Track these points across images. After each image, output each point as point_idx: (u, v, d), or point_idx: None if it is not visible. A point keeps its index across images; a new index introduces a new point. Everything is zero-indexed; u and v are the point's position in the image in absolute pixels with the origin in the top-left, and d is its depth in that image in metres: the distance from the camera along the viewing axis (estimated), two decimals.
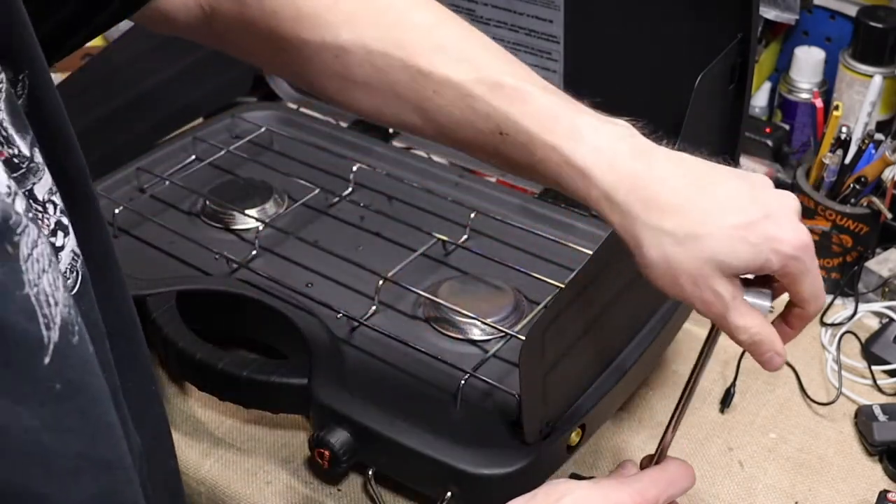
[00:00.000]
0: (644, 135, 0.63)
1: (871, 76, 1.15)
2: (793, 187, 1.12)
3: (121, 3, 0.68)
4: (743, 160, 1.17)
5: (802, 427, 0.91)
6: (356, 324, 0.89)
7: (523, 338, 0.80)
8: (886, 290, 1.04)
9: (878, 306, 1.03)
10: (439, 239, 1.00)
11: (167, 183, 1.08)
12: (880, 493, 0.83)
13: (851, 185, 1.07)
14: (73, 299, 0.43)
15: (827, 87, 1.24)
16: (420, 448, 0.77)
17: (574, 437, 0.80)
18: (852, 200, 1.07)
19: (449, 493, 0.77)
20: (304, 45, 0.67)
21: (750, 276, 0.63)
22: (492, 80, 0.63)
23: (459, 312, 0.89)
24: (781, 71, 1.28)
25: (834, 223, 1.06)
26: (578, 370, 0.82)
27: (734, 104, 0.85)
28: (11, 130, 0.47)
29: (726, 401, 0.93)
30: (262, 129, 1.17)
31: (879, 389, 0.95)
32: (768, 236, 0.59)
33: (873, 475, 0.87)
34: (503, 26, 1.00)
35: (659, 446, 0.72)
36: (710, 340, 0.69)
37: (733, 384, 0.94)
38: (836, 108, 1.10)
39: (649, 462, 0.72)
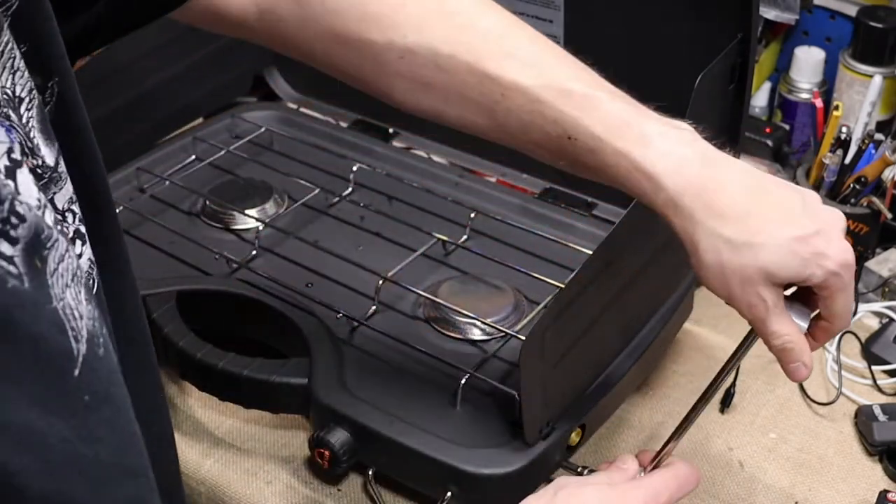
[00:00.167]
0: (704, 139, 0.65)
1: (871, 76, 1.15)
2: None
3: (158, 1, 0.68)
4: (743, 160, 1.17)
5: (802, 427, 0.91)
6: (356, 324, 0.89)
7: (523, 338, 0.80)
8: (886, 290, 1.04)
9: (878, 306, 1.03)
10: (439, 239, 1.00)
11: (167, 183, 1.08)
12: (880, 493, 0.83)
13: (851, 185, 1.07)
14: (96, 301, 0.44)
15: (827, 87, 1.24)
16: (420, 448, 0.77)
17: (574, 437, 0.80)
18: (852, 200, 1.07)
19: (449, 493, 0.77)
20: (367, 45, 0.68)
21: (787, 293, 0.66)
22: (561, 86, 0.65)
23: (459, 312, 0.89)
24: (781, 71, 1.28)
25: None
26: (578, 370, 0.82)
27: (734, 104, 0.85)
28: (39, 140, 0.47)
29: (726, 401, 0.93)
30: (262, 129, 1.17)
31: (879, 389, 0.95)
32: (817, 251, 0.62)
33: (873, 475, 0.87)
34: None
35: (664, 447, 0.72)
36: (739, 353, 0.70)
37: (733, 384, 0.94)
38: (836, 108, 1.10)
39: (647, 459, 0.72)
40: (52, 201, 0.48)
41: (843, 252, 0.63)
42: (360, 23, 0.67)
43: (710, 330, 1.01)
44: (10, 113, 0.45)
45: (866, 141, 1.08)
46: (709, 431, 0.91)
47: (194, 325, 0.88)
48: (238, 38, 0.74)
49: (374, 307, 0.91)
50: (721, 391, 0.71)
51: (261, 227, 1.01)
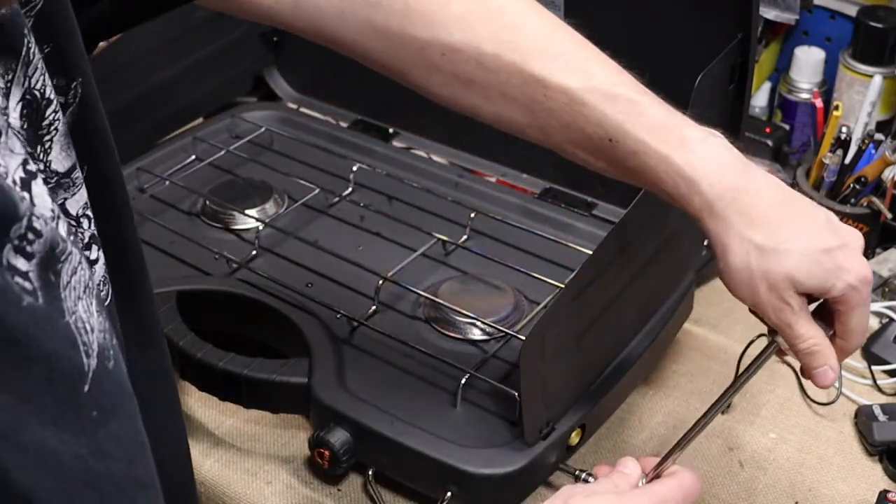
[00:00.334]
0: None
1: (871, 76, 1.15)
2: (792, 187, 1.12)
3: None
4: None
5: (802, 427, 0.91)
6: (356, 324, 0.89)
7: (523, 338, 0.80)
8: (886, 290, 1.04)
9: (878, 306, 1.03)
10: (439, 239, 1.00)
11: (167, 183, 1.08)
12: (880, 493, 0.83)
13: (851, 185, 1.07)
14: (106, 312, 0.44)
15: (827, 87, 1.24)
16: (420, 448, 0.77)
17: (574, 437, 0.80)
18: (852, 200, 1.07)
19: (449, 493, 0.77)
20: (409, 40, 0.68)
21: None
22: (606, 90, 0.66)
23: (459, 312, 0.89)
24: (781, 71, 1.28)
25: None
26: (578, 370, 0.82)
27: (734, 104, 0.85)
28: (57, 146, 0.47)
29: None
30: (262, 129, 1.17)
31: (879, 389, 0.95)
32: (839, 265, 0.64)
33: (873, 475, 0.87)
34: None
35: (667, 456, 0.71)
36: (756, 365, 0.71)
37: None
38: (836, 108, 1.10)
39: (649, 465, 0.72)
40: (63, 207, 0.48)
41: (863, 268, 0.66)
42: (403, 18, 0.67)
43: (710, 330, 1.01)
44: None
45: (866, 141, 1.08)
46: (709, 431, 0.90)
47: (194, 325, 0.88)
48: (268, 24, 0.73)
49: (374, 307, 0.91)
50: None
51: (261, 227, 1.01)
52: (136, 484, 0.43)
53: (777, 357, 0.73)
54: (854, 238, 0.67)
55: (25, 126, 0.46)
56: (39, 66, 0.46)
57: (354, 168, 1.09)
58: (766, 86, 1.30)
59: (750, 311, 0.69)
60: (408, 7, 0.67)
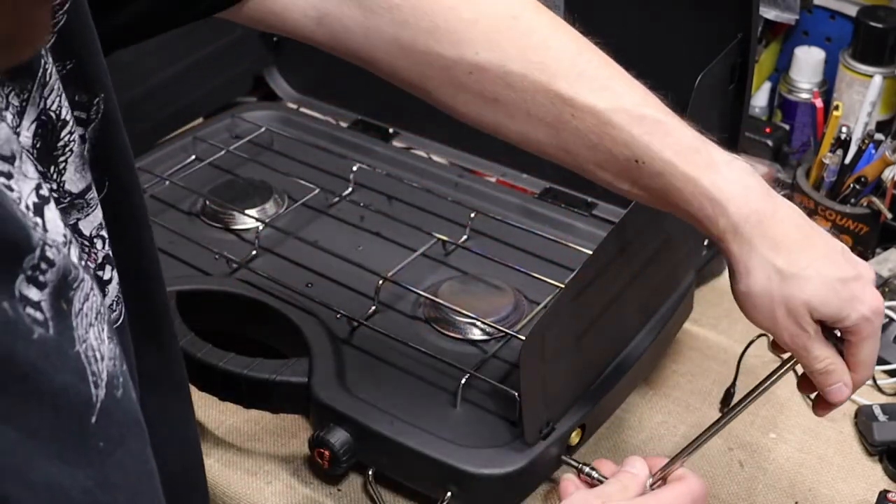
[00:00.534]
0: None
1: (871, 76, 1.15)
2: (793, 187, 1.12)
3: (211, 1, 0.67)
4: (743, 160, 1.17)
5: (802, 427, 0.91)
6: (356, 324, 0.89)
7: (523, 338, 0.80)
8: (886, 290, 1.04)
9: None
10: (439, 239, 1.00)
11: (167, 183, 1.08)
12: (880, 493, 0.83)
13: (851, 185, 1.07)
14: (116, 334, 0.44)
15: (827, 87, 1.24)
16: (420, 448, 0.77)
17: (574, 437, 0.80)
18: (852, 200, 1.07)
19: (449, 493, 0.77)
20: (435, 58, 0.67)
21: None
22: (633, 111, 0.66)
23: (459, 312, 0.89)
24: (781, 71, 1.28)
25: (834, 223, 1.06)
26: (578, 370, 0.82)
27: (734, 104, 0.85)
28: (72, 167, 0.47)
29: (726, 401, 0.93)
30: (262, 129, 1.17)
31: (879, 389, 0.95)
32: (854, 295, 0.66)
33: (873, 475, 0.87)
34: None
35: (673, 460, 0.72)
36: (770, 381, 0.72)
37: (733, 384, 0.94)
38: (836, 108, 1.10)
39: (655, 465, 0.72)
40: (76, 227, 0.48)
41: (876, 300, 0.67)
42: (430, 36, 0.67)
43: (710, 330, 1.01)
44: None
45: (866, 141, 1.08)
46: None
47: (194, 325, 0.88)
48: (292, 38, 0.73)
49: (373, 307, 0.91)
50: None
51: (261, 227, 1.01)
52: None
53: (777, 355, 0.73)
54: (867, 270, 0.68)
55: (38, 145, 0.45)
56: (56, 87, 0.46)
57: (354, 168, 1.09)
58: (766, 86, 1.30)
59: (767, 330, 0.69)
60: (435, 25, 0.66)
